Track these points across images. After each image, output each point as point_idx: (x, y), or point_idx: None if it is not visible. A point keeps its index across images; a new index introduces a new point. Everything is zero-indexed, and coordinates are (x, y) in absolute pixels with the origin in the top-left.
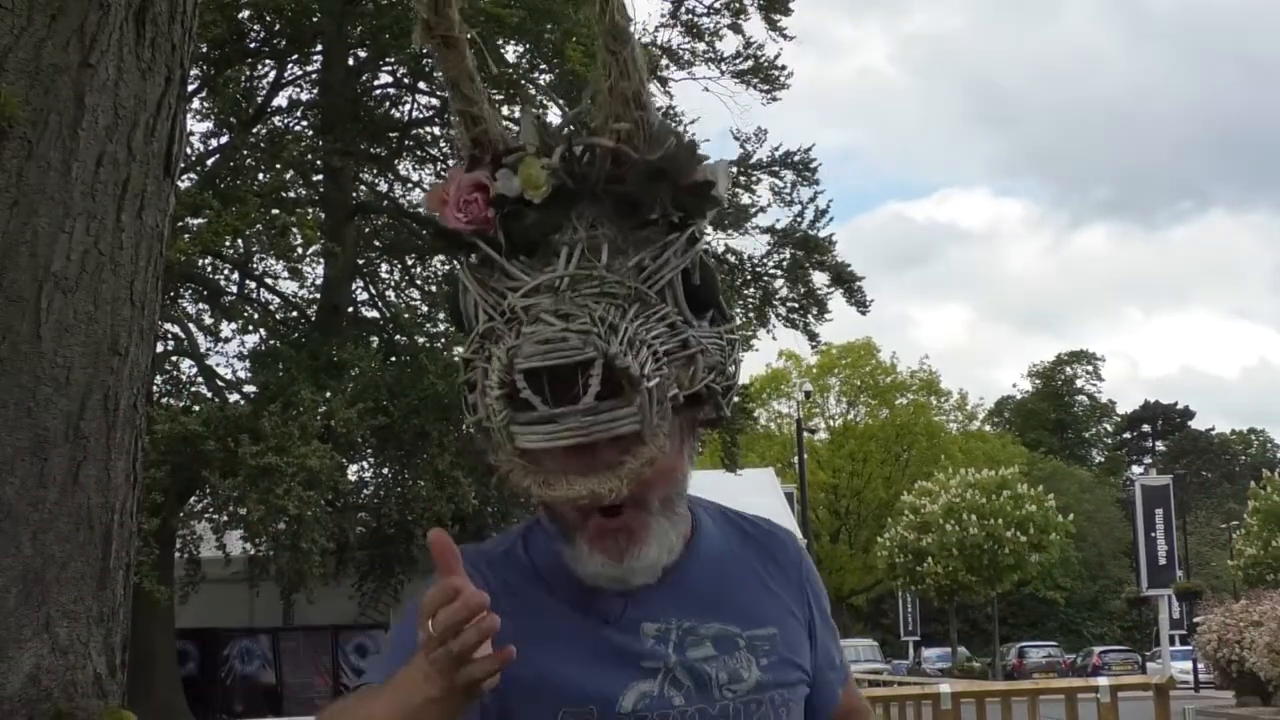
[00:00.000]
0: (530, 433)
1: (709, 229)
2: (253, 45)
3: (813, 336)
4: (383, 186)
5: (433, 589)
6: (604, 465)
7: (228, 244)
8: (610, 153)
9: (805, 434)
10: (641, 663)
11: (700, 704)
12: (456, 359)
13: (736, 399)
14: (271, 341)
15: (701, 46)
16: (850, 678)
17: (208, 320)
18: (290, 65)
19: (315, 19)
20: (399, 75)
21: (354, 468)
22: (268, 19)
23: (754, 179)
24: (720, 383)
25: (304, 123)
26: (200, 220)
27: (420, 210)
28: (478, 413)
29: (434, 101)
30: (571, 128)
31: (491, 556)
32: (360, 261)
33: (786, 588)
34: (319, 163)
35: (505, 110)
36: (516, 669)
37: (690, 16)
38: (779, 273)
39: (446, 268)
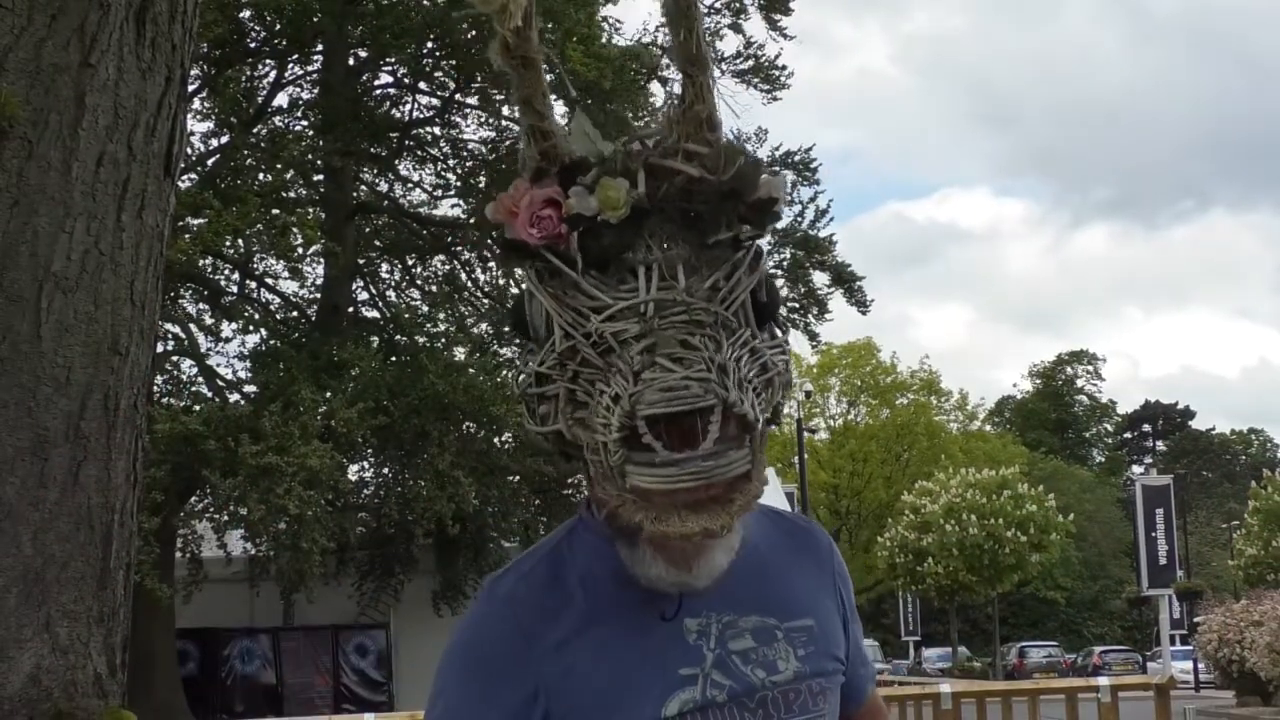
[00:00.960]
0: (650, 475)
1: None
2: (253, 45)
3: (813, 336)
4: (383, 186)
5: None
6: (713, 500)
7: (228, 244)
8: (685, 176)
9: (806, 434)
10: (684, 661)
11: (740, 696)
12: (518, 366)
13: None
14: (272, 341)
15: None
16: (874, 676)
17: (208, 320)
18: (291, 65)
19: (316, 19)
20: (399, 75)
21: (354, 467)
22: (268, 19)
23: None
24: (784, 397)
25: (304, 123)
26: (201, 220)
27: (421, 210)
28: (549, 424)
29: (434, 101)
30: (637, 145)
31: (532, 581)
32: (360, 261)
33: (820, 580)
34: (319, 163)
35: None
36: (593, 680)
37: None
38: (779, 273)
39: (447, 268)
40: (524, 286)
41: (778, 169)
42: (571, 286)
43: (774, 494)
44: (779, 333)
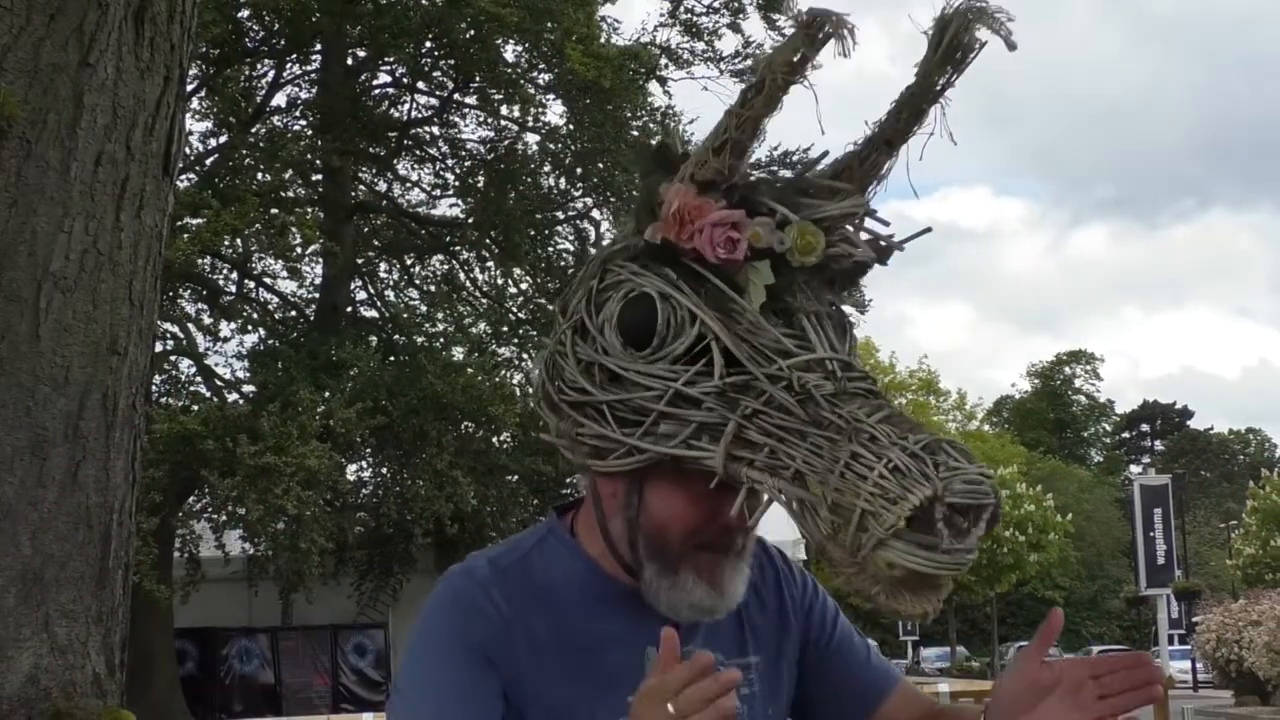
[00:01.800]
0: (924, 558)
1: None
2: (252, 45)
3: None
4: (381, 186)
5: (685, 666)
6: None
7: (226, 243)
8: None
9: None
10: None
11: None
12: (669, 386)
13: None
14: (270, 341)
15: (700, 46)
16: (893, 673)
17: (207, 320)
18: (289, 65)
19: (314, 19)
20: (398, 75)
21: (353, 467)
22: (267, 18)
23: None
24: None
25: (303, 122)
26: (199, 220)
27: (419, 210)
28: (684, 451)
29: (433, 101)
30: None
31: (511, 576)
32: (359, 261)
33: (780, 613)
34: (318, 162)
35: (505, 110)
36: (549, 695)
37: (689, 16)
38: None
39: (445, 268)
40: (654, 289)
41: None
42: (740, 317)
43: None
44: None
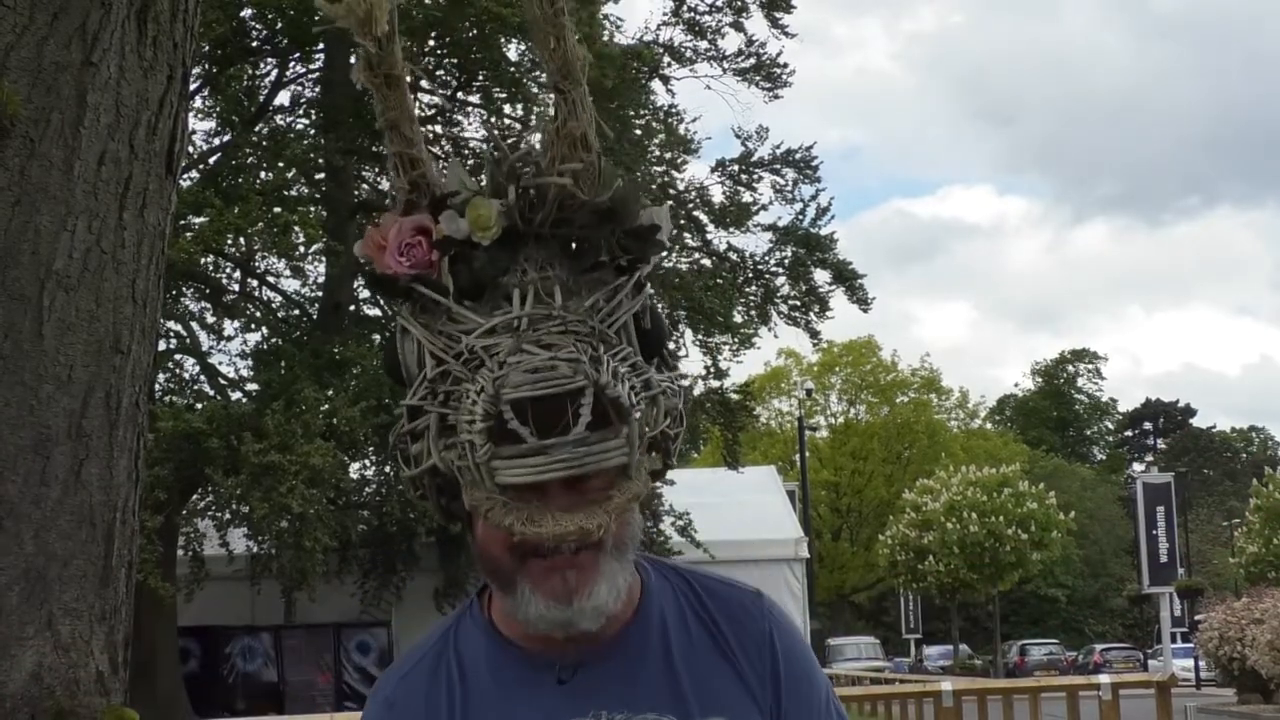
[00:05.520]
0: (518, 467)
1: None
2: (255, 44)
3: (814, 334)
4: (385, 185)
5: None
6: (589, 501)
7: (230, 242)
8: (559, 193)
9: (807, 432)
10: None
11: None
12: (397, 411)
13: (738, 396)
14: (274, 340)
15: (703, 44)
16: None
17: (210, 318)
18: (292, 63)
19: (317, 17)
20: None
21: (356, 466)
22: (270, 17)
23: (755, 177)
24: (674, 429)
25: (306, 121)
26: (202, 219)
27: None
28: (423, 462)
29: (436, 100)
30: (515, 166)
31: (410, 683)
32: (362, 260)
33: (742, 671)
34: (321, 161)
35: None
36: None
37: (692, 14)
38: (780, 270)
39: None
40: (394, 325)
41: (661, 198)
42: (444, 315)
43: (775, 492)
44: (671, 367)
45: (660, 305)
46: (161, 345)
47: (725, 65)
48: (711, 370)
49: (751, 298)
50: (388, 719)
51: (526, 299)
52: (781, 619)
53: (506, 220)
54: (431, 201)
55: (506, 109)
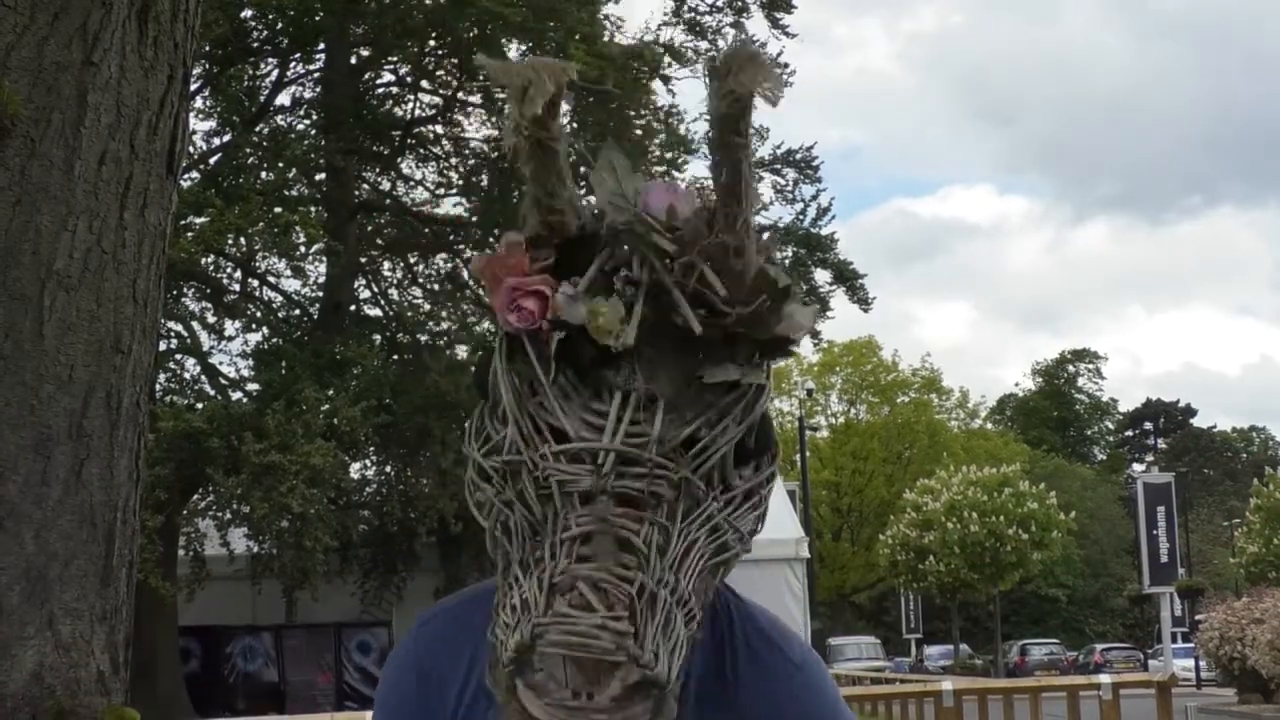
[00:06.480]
0: (539, 708)
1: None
2: (255, 44)
3: (815, 334)
4: (385, 185)
5: None
6: None
7: (230, 242)
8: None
9: (807, 432)
10: None
11: None
12: (493, 462)
13: None
14: (274, 340)
15: (704, 44)
16: None
17: (210, 318)
18: (293, 64)
19: (318, 17)
20: (401, 74)
21: (357, 465)
22: (270, 17)
23: (756, 177)
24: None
25: (306, 121)
26: (203, 219)
27: (423, 209)
28: (486, 510)
29: (436, 100)
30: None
31: (444, 621)
32: (362, 260)
33: None
34: (321, 161)
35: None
36: None
37: (692, 14)
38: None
39: (450, 266)
40: (497, 339)
41: (810, 300)
42: (537, 389)
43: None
44: (768, 468)
45: None
46: (162, 345)
47: None
48: None
49: None
50: (413, 654)
51: (625, 413)
52: (810, 702)
53: (626, 341)
54: (560, 245)
55: (507, 109)
